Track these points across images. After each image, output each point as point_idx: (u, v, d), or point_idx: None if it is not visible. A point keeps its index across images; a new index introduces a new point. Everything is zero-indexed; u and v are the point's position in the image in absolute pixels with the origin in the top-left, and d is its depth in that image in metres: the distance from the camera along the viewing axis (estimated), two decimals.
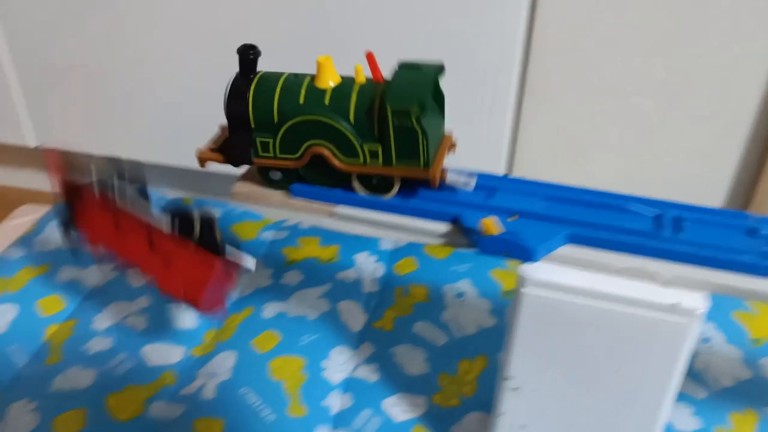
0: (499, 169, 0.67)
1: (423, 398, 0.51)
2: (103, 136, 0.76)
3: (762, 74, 0.57)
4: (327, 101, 0.39)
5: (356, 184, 0.41)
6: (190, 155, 0.44)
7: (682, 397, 0.51)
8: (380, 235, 0.68)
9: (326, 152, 0.40)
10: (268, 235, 0.69)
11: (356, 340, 0.57)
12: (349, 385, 0.53)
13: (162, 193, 0.76)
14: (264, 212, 0.73)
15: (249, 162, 0.42)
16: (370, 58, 0.40)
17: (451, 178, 0.40)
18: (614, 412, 0.39)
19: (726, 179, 0.64)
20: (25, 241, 0.67)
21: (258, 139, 0.41)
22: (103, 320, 0.58)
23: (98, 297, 0.61)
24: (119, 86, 0.71)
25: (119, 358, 0.54)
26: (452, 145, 0.42)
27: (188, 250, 0.45)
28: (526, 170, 0.67)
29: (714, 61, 0.57)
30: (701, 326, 0.43)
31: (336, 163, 0.40)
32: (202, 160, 0.43)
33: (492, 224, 0.37)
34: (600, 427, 0.40)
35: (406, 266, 0.64)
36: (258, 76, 0.41)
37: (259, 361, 0.53)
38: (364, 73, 0.40)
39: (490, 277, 0.62)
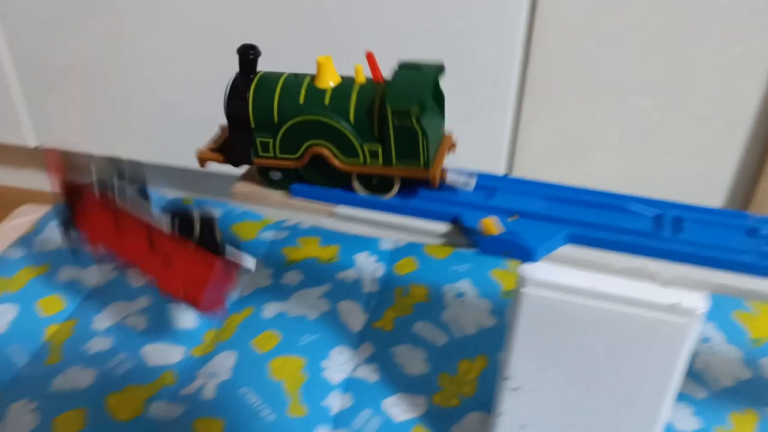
0: (499, 169, 0.67)
1: (423, 398, 0.51)
2: (103, 136, 0.76)
3: (762, 74, 0.57)
4: (327, 101, 0.39)
5: (356, 184, 0.41)
6: (190, 155, 0.44)
7: (682, 397, 0.51)
8: (380, 235, 0.68)
9: (326, 152, 0.40)
10: (268, 235, 0.69)
11: (356, 340, 0.57)
12: (349, 385, 0.53)
13: (162, 193, 0.76)
14: (264, 212, 0.73)
15: (249, 162, 0.42)
16: (370, 58, 0.40)
17: (451, 178, 0.40)
18: (614, 412, 0.39)
19: (726, 179, 0.64)
20: (25, 241, 0.67)
21: (258, 139, 0.41)
22: (103, 320, 0.58)
23: (98, 297, 0.61)
24: (119, 86, 0.71)
25: (119, 358, 0.54)
26: (452, 145, 0.42)
27: (188, 250, 0.45)
28: (526, 170, 0.67)
29: (714, 61, 0.57)
30: (701, 326, 0.43)
31: (336, 163, 0.40)
32: (202, 160, 0.43)
33: (492, 224, 0.37)
34: (600, 427, 0.40)
35: (406, 266, 0.64)
36: (258, 76, 0.41)
37: (259, 361, 0.53)
38: (364, 73, 0.40)
39: (490, 277, 0.62)
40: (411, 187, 0.41)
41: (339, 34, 0.62)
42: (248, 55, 0.41)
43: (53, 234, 0.68)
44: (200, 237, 0.45)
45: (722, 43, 0.57)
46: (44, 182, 0.85)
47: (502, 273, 0.63)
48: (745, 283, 0.35)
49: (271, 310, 0.59)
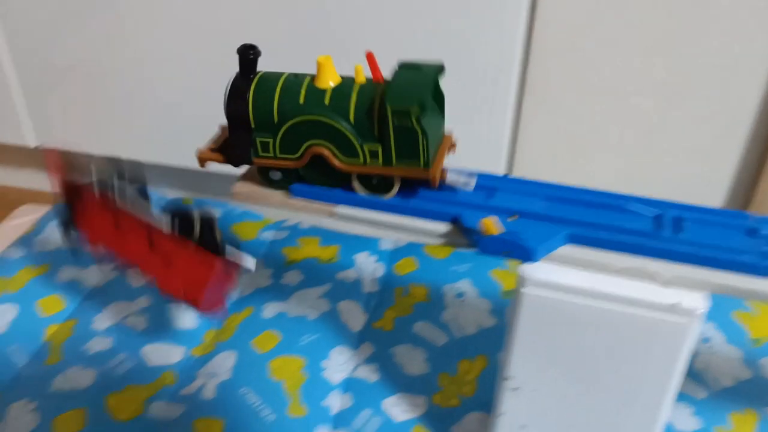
0: (499, 169, 0.67)
1: (423, 398, 0.51)
2: (103, 136, 0.76)
3: (762, 74, 0.57)
4: (327, 101, 0.39)
5: (356, 184, 0.41)
6: (190, 155, 0.44)
7: (682, 397, 0.51)
8: (380, 235, 0.68)
9: (326, 152, 0.40)
10: (268, 235, 0.69)
11: (356, 340, 0.57)
12: (349, 385, 0.53)
13: (162, 193, 0.76)
14: (264, 212, 0.73)
15: (249, 162, 0.42)
16: (370, 58, 0.40)
17: (451, 178, 0.40)
18: (614, 412, 0.39)
19: (726, 179, 0.64)
20: (25, 241, 0.67)
21: (258, 139, 0.41)
22: (103, 320, 0.58)
23: (98, 297, 0.61)
24: (119, 86, 0.71)
25: (119, 358, 0.54)
26: (452, 145, 0.42)
27: (188, 250, 0.45)
28: (526, 170, 0.67)
29: (714, 61, 0.57)
30: (701, 326, 0.43)
31: (336, 163, 0.40)
32: (202, 160, 0.43)
33: (492, 224, 0.37)
34: (600, 427, 0.40)
35: (406, 266, 0.64)
36: (258, 76, 0.41)
37: (259, 361, 0.53)
38: (364, 73, 0.40)
39: (490, 277, 0.62)
40: (411, 187, 0.41)
41: (339, 34, 0.62)
42: (248, 55, 0.41)
43: (53, 234, 0.68)
44: (200, 237, 0.45)
45: (722, 43, 0.57)
46: (44, 182, 0.85)
47: (502, 273, 0.63)
48: (745, 283, 0.35)
49: (271, 310, 0.59)
